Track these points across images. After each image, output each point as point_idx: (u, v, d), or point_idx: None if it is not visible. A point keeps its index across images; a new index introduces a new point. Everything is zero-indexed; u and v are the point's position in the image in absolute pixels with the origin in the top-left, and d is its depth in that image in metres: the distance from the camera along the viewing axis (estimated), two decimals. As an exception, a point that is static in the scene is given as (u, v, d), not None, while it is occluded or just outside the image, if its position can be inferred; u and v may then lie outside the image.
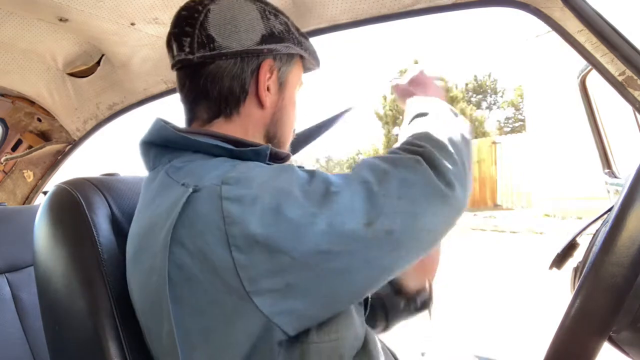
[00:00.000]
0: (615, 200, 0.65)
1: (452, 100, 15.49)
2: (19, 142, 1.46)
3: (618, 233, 0.50)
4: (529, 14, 0.79)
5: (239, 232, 0.44)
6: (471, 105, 18.02)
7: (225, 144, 0.56)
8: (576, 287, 0.51)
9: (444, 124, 0.60)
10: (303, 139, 0.82)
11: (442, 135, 0.56)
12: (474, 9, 0.88)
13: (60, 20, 0.96)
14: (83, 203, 0.61)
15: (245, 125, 0.62)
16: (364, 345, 0.56)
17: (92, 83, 1.26)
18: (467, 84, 22.02)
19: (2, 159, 1.45)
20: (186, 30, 0.59)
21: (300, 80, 0.69)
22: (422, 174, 0.50)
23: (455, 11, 0.89)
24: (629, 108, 0.74)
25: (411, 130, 0.60)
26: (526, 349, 2.26)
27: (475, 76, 22.20)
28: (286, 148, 0.68)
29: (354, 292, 0.49)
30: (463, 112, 15.43)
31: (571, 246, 0.80)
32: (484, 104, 22.29)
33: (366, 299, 0.71)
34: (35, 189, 1.53)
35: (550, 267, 0.81)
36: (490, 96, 22.44)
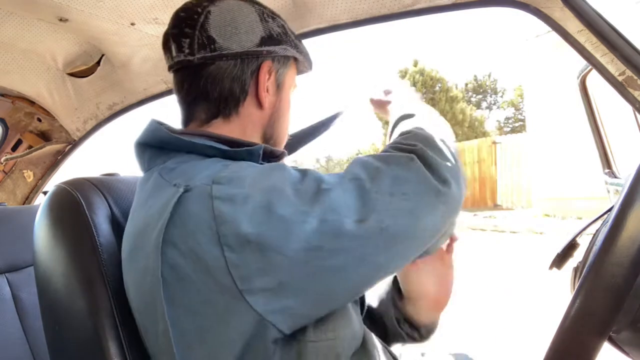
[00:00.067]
0: (615, 200, 0.65)
1: (452, 100, 15.52)
2: (19, 142, 1.46)
3: (618, 233, 0.50)
4: (529, 14, 0.79)
5: (230, 231, 0.44)
6: (471, 105, 18.04)
7: (219, 144, 0.56)
8: (576, 287, 0.51)
9: (431, 123, 0.60)
10: (296, 141, 0.82)
11: (432, 134, 0.56)
12: (474, 9, 0.88)
13: (60, 20, 0.96)
14: (83, 203, 0.61)
15: (244, 126, 0.62)
16: (363, 344, 0.56)
17: (92, 83, 1.26)
18: (467, 84, 22.03)
19: (2, 159, 1.45)
20: (186, 31, 0.59)
21: (295, 82, 0.70)
22: (416, 171, 0.50)
23: (455, 11, 0.89)
24: (629, 108, 0.74)
25: (400, 131, 0.60)
26: (526, 349, 2.26)
27: (475, 76, 22.21)
28: (281, 148, 0.69)
29: (349, 290, 0.49)
30: (463, 112, 15.46)
31: (571, 246, 0.80)
32: (484, 104, 22.29)
33: (362, 299, 0.71)
34: (35, 189, 1.53)
35: (550, 267, 0.81)
36: (490, 96, 22.45)
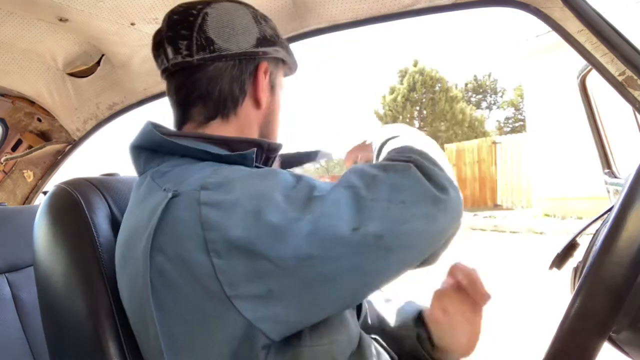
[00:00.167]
0: (615, 200, 0.65)
1: (452, 100, 15.53)
2: (19, 142, 1.46)
3: (618, 233, 0.49)
4: (529, 14, 0.79)
5: (217, 238, 0.44)
6: (471, 105, 18.04)
7: (213, 147, 0.56)
8: (576, 287, 0.51)
9: (420, 139, 0.59)
10: (282, 162, 0.82)
11: (424, 147, 0.55)
12: (474, 9, 0.88)
13: (60, 20, 0.96)
14: (83, 203, 0.61)
15: (241, 126, 0.62)
16: (358, 347, 0.56)
17: (92, 83, 1.26)
18: (467, 84, 22.04)
19: (2, 159, 1.45)
20: (182, 33, 0.59)
21: (283, 84, 0.70)
22: (414, 179, 0.48)
23: (455, 11, 0.89)
24: (629, 108, 0.74)
25: (390, 148, 0.58)
26: (526, 349, 2.26)
27: (475, 76, 22.23)
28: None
29: (341, 300, 0.47)
30: (463, 112, 15.47)
31: (571, 246, 0.80)
32: (484, 104, 22.31)
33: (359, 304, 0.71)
34: (35, 189, 1.53)
35: (550, 267, 0.81)
36: (490, 96, 22.46)
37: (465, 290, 0.62)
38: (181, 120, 0.62)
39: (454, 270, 0.64)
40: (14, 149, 1.46)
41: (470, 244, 5.91)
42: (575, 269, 0.76)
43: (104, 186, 0.66)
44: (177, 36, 0.59)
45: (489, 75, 22.36)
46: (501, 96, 22.24)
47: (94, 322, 0.55)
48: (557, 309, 0.59)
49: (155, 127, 0.58)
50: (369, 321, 0.80)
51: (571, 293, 0.59)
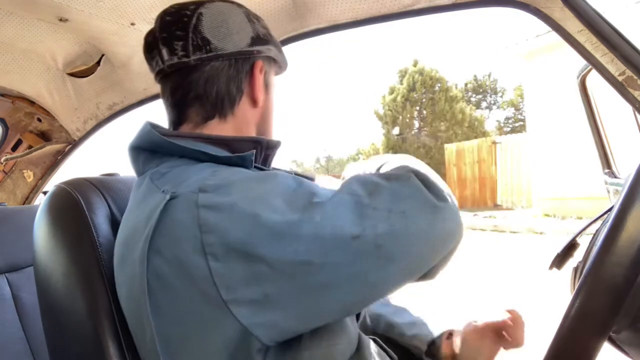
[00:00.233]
0: (615, 200, 0.65)
1: (452, 100, 15.53)
2: (19, 142, 1.46)
3: (618, 233, 0.49)
4: (529, 14, 0.79)
5: (215, 240, 0.44)
6: (471, 105, 18.03)
7: (211, 147, 0.56)
8: (576, 287, 0.51)
9: (411, 160, 0.59)
10: None
11: (417, 166, 0.55)
12: (474, 9, 0.88)
13: (60, 20, 0.96)
14: (82, 203, 0.61)
15: (239, 125, 0.63)
16: (357, 349, 0.56)
17: (92, 83, 1.26)
18: (466, 84, 22.04)
19: (2, 159, 1.45)
20: (177, 34, 0.59)
21: (274, 82, 0.70)
22: (414, 187, 0.48)
23: (455, 11, 0.89)
24: (629, 108, 0.74)
25: (385, 169, 0.58)
26: (526, 349, 2.26)
27: (475, 76, 22.23)
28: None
29: (339, 308, 0.47)
30: (462, 112, 15.46)
31: (571, 246, 0.80)
32: (484, 104, 22.31)
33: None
34: (35, 189, 1.53)
35: (550, 267, 0.81)
36: (490, 96, 22.47)
37: (505, 330, 0.70)
38: (177, 122, 0.62)
39: (505, 312, 0.70)
40: (14, 149, 1.46)
41: (470, 244, 5.91)
42: (575, 269, 0.76)
43: (104, 186, 0.66)
44: (172, 37, 0.59)
45: (489, 75, 22.36)
46: (501, 96, 22.25)
47: (94, 322, 0.55)
48: (557, 309, 0.59)
49: (153, 127, 0.58)
50: (368, 322, 0.80)
51: (571, 293, 0.59)
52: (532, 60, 8.06)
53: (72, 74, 1.23)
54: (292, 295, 0.44)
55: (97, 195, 0.64)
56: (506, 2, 0.81)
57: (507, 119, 21.55)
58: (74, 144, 1.48)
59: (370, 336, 0.71)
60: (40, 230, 0.62)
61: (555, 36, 0.77)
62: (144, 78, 1.23)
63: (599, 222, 0.77)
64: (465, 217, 8.18)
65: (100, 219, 0.62)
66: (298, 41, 1.07)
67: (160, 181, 0.52)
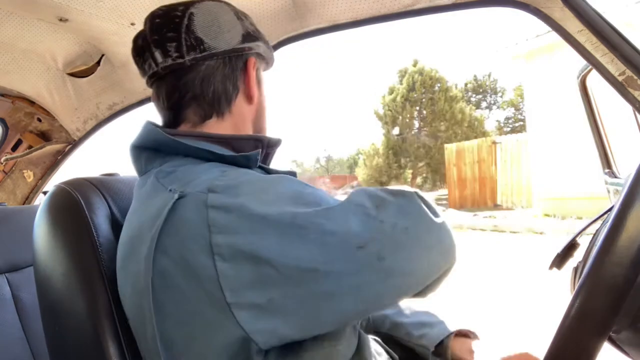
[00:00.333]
0: (615, 200, 0.65)
1: (452, 100, 15.52)
2: (19, 142, 1.46)
3: (618, 233, 0.49)
4: (529, 14, 0.79)
5: (223, 241, 0.43)
6: (471, 105, 18.04)
7: (216, 147, 0.56)
8: (576, 287, 0.51)
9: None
10: None
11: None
12: (474, 9, 0.88)
13: (60, 20, 0.96)
14: (82, 203, 0.61)
15: (236, 122, 0.63)
16: (358, 349, 0.56)
17: (92, 83, 1.26)
18: (466, 84, 22.05)
19: (2, 159, 1.45)
20: (169, 35, 0.59)
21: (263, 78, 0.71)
22: (418, 206, 0.49)
23: (455, 11, 0.89)
24: (629, 108, 0.74)
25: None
26: (526, 349, 2.25)
27: (475, 76, 22.24)
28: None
29: (338, 318, 0.47)
30: (462, 112, 15.46)
31: (571, 246, 0.79)
32: (484, 104, 22.32)
33: None
34: (35, 189, 1.53)
35: (550, 267, 0.81)
36: (490, 96, 22.47)
37: None
38: (175, 122, 0.62)
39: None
40: (14, 149, 1.46)
41: (470, 244, 5.92)
42: (575, 269, 0.76)
43: (104, 186, 0.66)
44: (164, 39, 0.59)
45: (489, 75, 22.38)
46: (501, 96, 22.27)
47: (94, 322, 0.55)
48: (557, 309, 0.59)
49: (157, 126, 0.58)
50: (371, 320, 0.80)
51: (571, 293, 0.59)
52: (532, 60, 8.06)
53: (72, 74, 1.23)
54: (296, 300, 0.44)
55: (97, 195, 0.64)
56: (506, 2, 0.81)
57: (507, 119, 21.56)
58: (74, 144, 1.48)
59: (371, 335, 0.71)
60: (40, 230, 0.62)
61: (555, 36, 0.77)
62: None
63: (599, 222, 0.77)
64: (465, 217, 8.19)
65: (100, 219, 0.62)
66: (298, 41, 1.07)
67: (167, 180, 0.52)
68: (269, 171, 0.62)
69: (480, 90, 22.27)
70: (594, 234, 0.73)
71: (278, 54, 1.12)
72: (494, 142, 10.59)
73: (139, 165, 0.59)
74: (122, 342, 0.56)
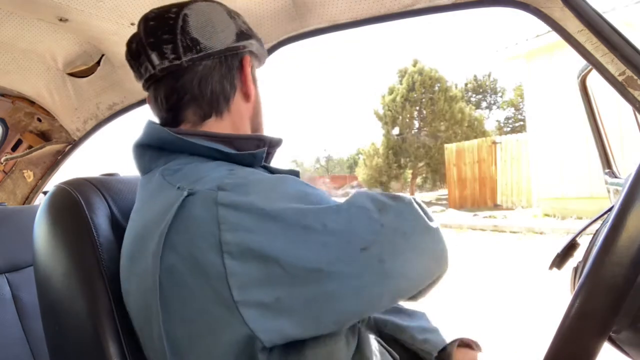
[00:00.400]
0: (615, 200, 0.65)
1: (451, 100, 15.52)
2: (19, 142, 1.46)
3: (618, 233, 0.49)
4: (529, 14, 0.79)
5: (233, 239, 0.44)
6: (470, 105, 18.03)
7: (223, 146, 0.56)
8: (576, 287, 0.51)
9: None
10: None
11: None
12: (473, 9, 0.88)
13: (60, 20, 0.96)
14: (83, 203, 0.61)
15: (235, 121, 0.63)
16: (359, 348, 0.56)
17: (92, 83, 1.26)
18: (466, 84, 22.06)
19: (2, 159, 1.45)
20: (165, 37, 0.59)
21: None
22: (416, 211, 0.51)
23: (455, 11, 0.89)
24: (629, 108, 0.74)
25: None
26: (526, 349, 2.26)
27: (475, 76, 22.25)
28: None
29: (337, 319, 0.47)
30: (462, 112, 15.46)
31: (571, 246, 0.79)
32: (484, 104, 22.33)
33: None
34: (35, 189, 1.53)
35: (550, 267, 0.81)
36: (490, 96, 22.48)
37: None
38: (174, 123, 0.62)
39: None
40: (14, 149, 1.46)
41: (470, 244, 5.92)
42: (575, 269, 0.76)
43: (104, 186, 0.66)
44: (159, 41, 0.59)
45: (489, 75, 22.39)
46: (501, 96, 22.28)
47: (94, 322, 0.55)
48: (557, 309, 0.59)
49: (160, 125, 0.58)
50: (373, 321, 0.80)
51: (571, 293, 0.59)
52: (532, 60, 8.05)
53: (72, 74, 1.23)
54: (302, 301, 0.44)
55: (97, 195, 0.64)
56: (506, 2, 0.81)
57: (507, 119, 21.57)
58: (74, 144, 1.48)
59: (372, 335, 0.71)
60: (40, 230, 0.62)
61: (555, 36, 0.77)
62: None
63: (599, 222, 0.77)
64: (465, 217, 8.19)
65: (101, 219, 0.62)
66: (298, 41, 1.07)
67: (174, 178, 0.52)
68: (272, 170, 0.62)
69: (480, 90, 22.28)
70: (594, 234, 0.73)
71: (278, 54, 1.12)
72: (494, 142, 10.58)
73: (142, 163, 0.59)
74: (122, 342, 0.56)
